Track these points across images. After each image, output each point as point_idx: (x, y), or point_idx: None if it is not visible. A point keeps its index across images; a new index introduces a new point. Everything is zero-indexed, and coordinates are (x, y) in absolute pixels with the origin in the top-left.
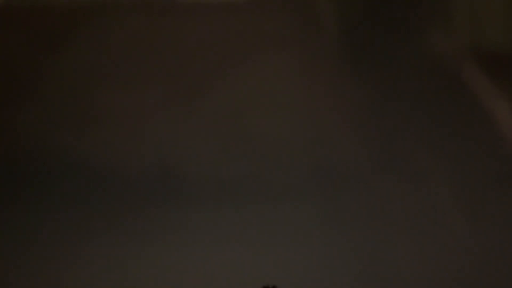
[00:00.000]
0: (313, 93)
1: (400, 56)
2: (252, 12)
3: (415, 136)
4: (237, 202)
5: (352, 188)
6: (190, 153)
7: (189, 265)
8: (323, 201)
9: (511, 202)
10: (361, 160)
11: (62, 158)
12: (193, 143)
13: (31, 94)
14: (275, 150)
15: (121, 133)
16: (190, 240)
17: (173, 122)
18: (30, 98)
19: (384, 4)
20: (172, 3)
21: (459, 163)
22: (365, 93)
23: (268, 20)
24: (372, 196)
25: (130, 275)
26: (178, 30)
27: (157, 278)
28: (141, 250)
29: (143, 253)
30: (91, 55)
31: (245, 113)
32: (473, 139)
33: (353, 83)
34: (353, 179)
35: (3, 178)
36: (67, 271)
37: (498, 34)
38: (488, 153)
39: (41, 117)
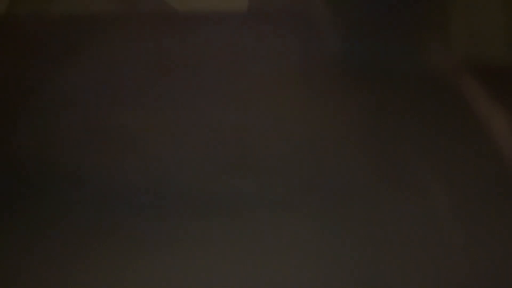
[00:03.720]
0: (312, 107)
1: (399, 69)
2: (253, 24)
3: (413, 149)
4: (235, 215)
5: (350, 201)
6: (190, 168)
7: (184, 276)
8: (321, 213)
9: (508, 212)
10: (360, 173)
11: (63, 172)
12: (193, 157)
13: (33, 107)
14: (274, 163)
15: (123, 148)
16: (188, 251)
17: (173, 138)
18: (32, 111)
19: (382, 19)
20: (174, 15)
21: (457, 176)
22: (364, 107)
23: (268, 33)
24: (370, 208)
25: (126, 284)
26: (180, 42)
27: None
28: (140, 260)
29: (142, 263)
30: (93, 68)
31: (244, 128)
32: (471, 152)
33: (352, 97)
34: (352, 192)
35: (5, 191)
36: (66, 281)
37: (498, 47)
38: (486, 165)
39: (42, 131)
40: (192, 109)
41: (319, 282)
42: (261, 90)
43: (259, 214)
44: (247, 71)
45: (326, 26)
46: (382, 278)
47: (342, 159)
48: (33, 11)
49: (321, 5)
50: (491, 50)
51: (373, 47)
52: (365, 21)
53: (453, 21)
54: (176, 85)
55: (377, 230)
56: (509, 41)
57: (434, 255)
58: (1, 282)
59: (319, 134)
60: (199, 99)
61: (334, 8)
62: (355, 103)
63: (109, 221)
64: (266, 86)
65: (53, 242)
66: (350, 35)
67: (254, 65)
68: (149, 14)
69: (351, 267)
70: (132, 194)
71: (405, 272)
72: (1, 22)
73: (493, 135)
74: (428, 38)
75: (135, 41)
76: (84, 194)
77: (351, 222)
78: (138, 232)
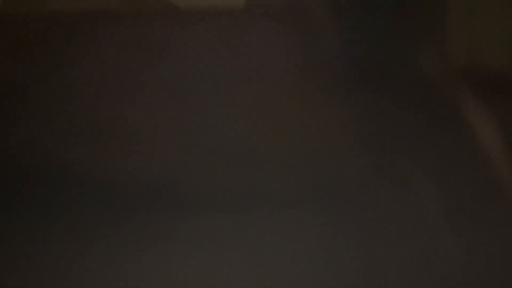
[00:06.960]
0: (310, 104)
1: (396, 71)
2: (251, 21)
3: (408, 150)
4: (235, 212)
5: (347, 199)
6: (190, 164)
7: (185, 273)
8: (320, 210)
9: (498, 214)
10: (357, 173)
11: (60, 168)
12: (193, 154)
13: (28, 103)
14: (274, 161)
15: (121, 143)
16: (187, 248)
17: (174, 134)
18: (28, 107)
19: (381, 24)
20: (172, 12)
21: (450, 178)
22: (361, 106)
23: (266, 29)
24: (367, 206)
25: (127, 282)
26: (178, 38)
27: (154, 285)
28: (140, 257)
29: (142, 260)
30: (91, 63)
31: (244, 126)
32: (464, 156)
33: (349, 97)
34: (349, 191)
35: (4, 189)
36: (64, 279)
37: (498, 54)
38: (478, 169)
39: (39, 127)
40: (192, 106)
41: (318, 274)
42: (260, 87)
43: (259, 211)
44: (246, 68)
45: (325, 24)
46: (376, 275)
47: (338, 157)
48: (29, 8)
49: (321, 2)
50: (488, 56)
51: (371, 48)
52: (364, 23)
53: (451, 26)
54: (172, 81)
55: (371, 228)
56: (507, 48)
57: (426, 253)
58: (0, 282)
59: (317, 131)
60: (198, 96)
61: (334, 7)
62: (352, 103)
63: (109, 218)
64: (265, 83)
65: (53, 239)
66: (349, 34)
67: (252, 62)
68: (148, 11)
69: (349, 262)
70: (133, 191)
71: (400, 270)
72: None
73: (486, 139)
74: (425, 43)
75: (133, 37)
76: (84, 190)
77: (346, 219)
78: (139, 230)
